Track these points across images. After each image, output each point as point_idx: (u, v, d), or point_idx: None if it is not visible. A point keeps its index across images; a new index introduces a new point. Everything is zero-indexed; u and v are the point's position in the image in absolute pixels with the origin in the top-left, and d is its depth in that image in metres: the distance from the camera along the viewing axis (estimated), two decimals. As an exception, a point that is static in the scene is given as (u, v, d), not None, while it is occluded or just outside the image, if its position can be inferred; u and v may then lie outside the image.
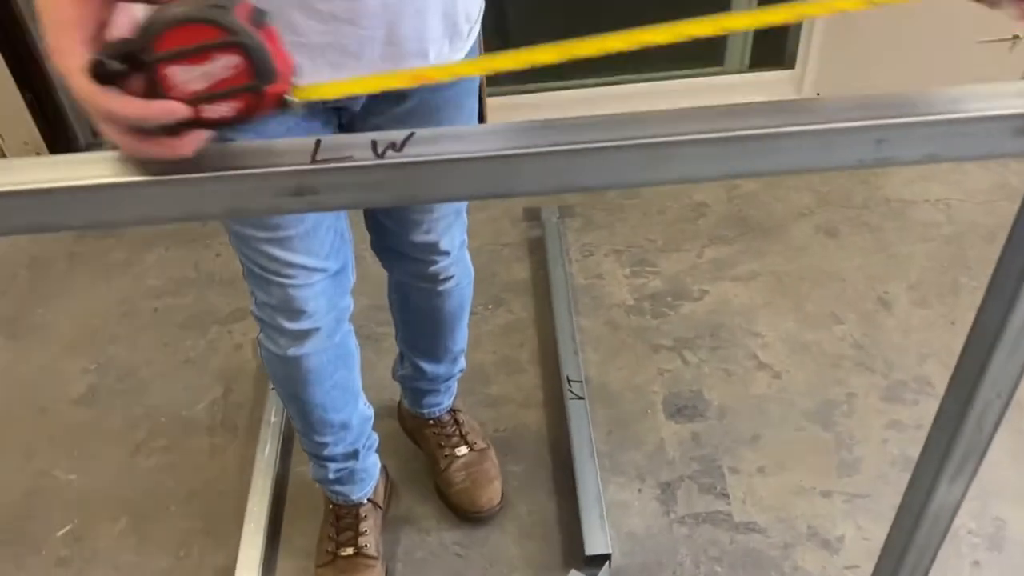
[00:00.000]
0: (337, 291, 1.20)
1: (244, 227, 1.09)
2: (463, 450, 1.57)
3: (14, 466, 1.67)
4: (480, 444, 1.58)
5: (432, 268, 1.29)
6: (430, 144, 0.65)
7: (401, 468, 1.62)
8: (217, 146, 0.66)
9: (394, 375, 1.61)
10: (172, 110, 0.57)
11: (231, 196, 0.67)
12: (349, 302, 1.24)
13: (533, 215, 2.15)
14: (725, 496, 1.55)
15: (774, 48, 2.39)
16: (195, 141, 0.60)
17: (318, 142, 0.67)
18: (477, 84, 1.15)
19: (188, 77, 0.57)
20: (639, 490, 1.56)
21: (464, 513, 1.53)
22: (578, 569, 1.40)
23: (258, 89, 0.58)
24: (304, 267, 1.12)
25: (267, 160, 0.66)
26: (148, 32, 0.56)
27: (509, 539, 1.50)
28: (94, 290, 2.03)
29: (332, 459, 1.40)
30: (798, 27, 2.31)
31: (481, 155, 0.65)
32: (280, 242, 1.09)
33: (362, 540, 1.45)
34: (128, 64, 0.56)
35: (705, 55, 2.43)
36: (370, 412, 1.43)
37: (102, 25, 0.60)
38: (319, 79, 0.69)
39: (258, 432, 1.65)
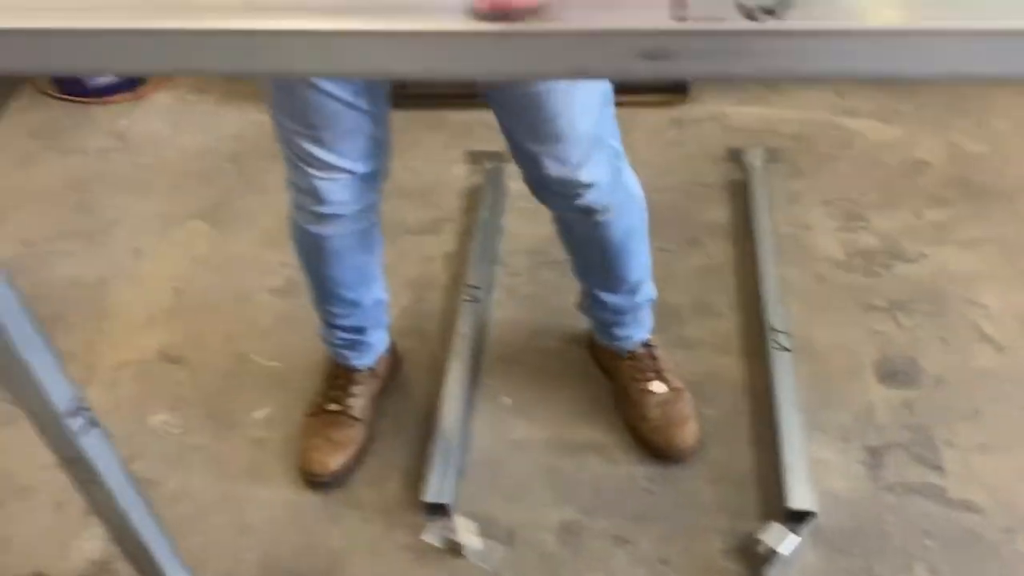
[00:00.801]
0: (364, 188, 1.26)
1: (283, 118, 1.17)
2: (658, 386, 1.51)
3: (216, 346, 1.73)
4: (676, 383, 1.53)
5: (580, 201, 1.24)
6: (811, 10, 0.58)
7: (589, 396, 1.59)
8: None
9: (579, 307, 1.57)
10: None
11: (577, 54, 0.62)
12: (376, 199, 1.32)
13: (735, 156, 2.04)
14: (939, 469, 1.44)
15: None
16: None
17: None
18: None
19: None
20: (843, 451, 1.47)
21: (657, 451, 1.48)
22: (778, 522, 1.33)
23: None
24: (333, 165, 1.19)
25: (622, 16, 0.60)
26: None
27: (702, 482, 1.45)
28: (293, 189, 2.07)
29: (339, 328, 1.48)
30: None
31: (879, 28, 0.57)
32: (314, 139, 1.16)
33: (350, 401, 1.51)
34: None
35: None
36: (385, 297, 1.50)
37: None
38: None
39: (448, 341, 1.65)
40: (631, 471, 1.48)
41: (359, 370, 1.53)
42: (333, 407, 1.51)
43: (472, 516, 1.41)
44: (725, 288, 1.77)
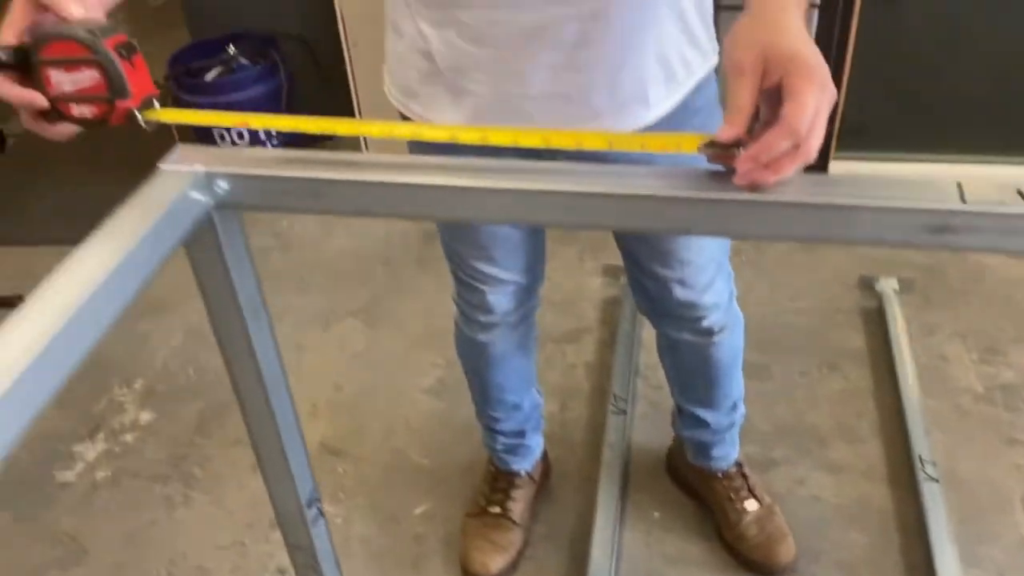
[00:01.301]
0: (526, 295, 1.37)
1: (458, 246, 1.28)
2: (752, 504, 1.56)
3: (375, 441, 1.82)
4: (767, 499, 1.58)
5: (704, 323, 1.31)
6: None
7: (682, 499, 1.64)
8: (851, 178, 0.71)
9: (675, 428, 1.62)
10: (32, 99, 0.73)
11: (869, 225, 0.71)
12: (535, 304, 1.42)
13: (867, 284, 2.11)
14: (1100, 614, 1.43)
15: None
16: (64, 131, 0.77)
17: (960, 184, 0.70)
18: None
19: (61, 80, 0.73)
20: (999, 587, 1.48)
21: (758, 568, 1.52)
22: (941, 655, 1.34)
23: (110, 101, 0.74)
24: (502, 279, 1.29)
25: (908, 195, 0.70)
26: (38, 40, 0.72)
27: (856, 608, 1.47)
28: (439, 294, 2.17)
29: (501, 433, 1.56)
30: None
31: None
32: (487, 259, 1.27)
33: (510, 504, 1.59)
34: (20, 60, 0.73)
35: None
36: (541, 400, 1.59)
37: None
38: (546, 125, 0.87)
39: (596, 451, 1.72)
40: (782, 593, 1.50)
41: (519, 474, 1.60)
42: (495, 510, 1.58)
43: (629, 626, 1.45)
44: (867, 413, 1.81)
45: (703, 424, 1.51)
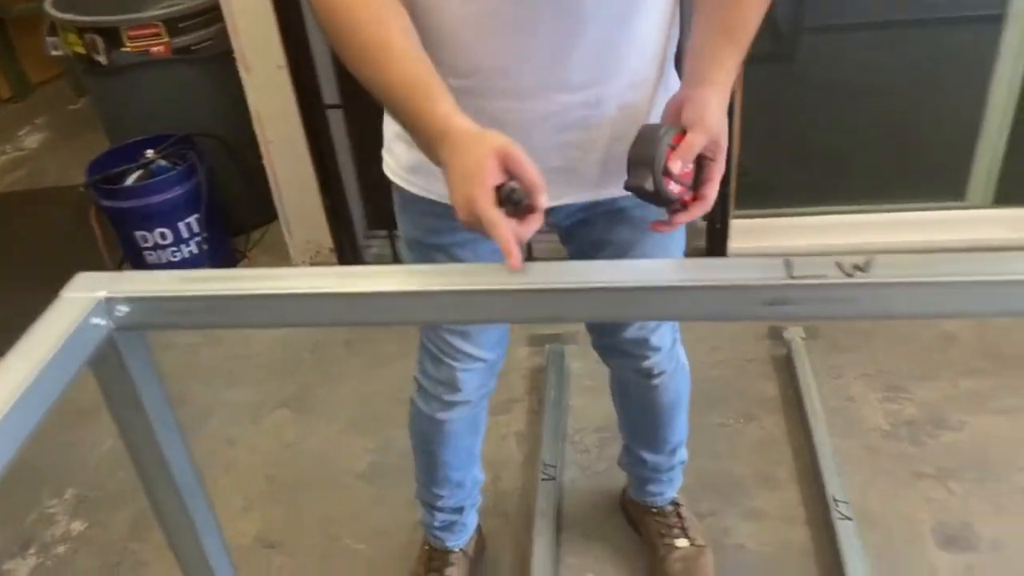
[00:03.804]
0: (488, 375, 1.43)
1: None
2: (683, 542, 1.64)
3: (311, 529, 1.84)
4: (700, 541, 1.65)
5: (646, 363, 1.40)
6: (895, 267, 0.76)
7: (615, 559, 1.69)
8: (691, 260, 0.79)
9: (620, 463, 1.71)
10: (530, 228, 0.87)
11: (712, 302, 0.79)
12: (495, 383, 1.47)
13: (776, 334, 2.21)
14: (1010, 634, 1.51)
15: (1022, 185, 2.41)
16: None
17: (787, 260, 0.79)
18: None
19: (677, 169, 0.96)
20: (916, 618, 1.55)
21: None
22: None
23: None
24: (472, 356, 1.35)
25: (744, 274, 0.78)
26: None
27: (784, 652, 1.52)
28: (369, 376, 2.23)
29: (441, 510, 1.60)
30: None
31: (946, 279, 0.75)
32: (461, 334, 1.33)
33: None
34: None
35: (948, 189, 2.47)
36: (482, 477, 1.64)
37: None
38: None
39: (529, 520, 1.76)
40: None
41: (453, 551, 1.63)
42: None
43: None
44: (784, 460, 1.89)
45: (643, 463, 1.60)
